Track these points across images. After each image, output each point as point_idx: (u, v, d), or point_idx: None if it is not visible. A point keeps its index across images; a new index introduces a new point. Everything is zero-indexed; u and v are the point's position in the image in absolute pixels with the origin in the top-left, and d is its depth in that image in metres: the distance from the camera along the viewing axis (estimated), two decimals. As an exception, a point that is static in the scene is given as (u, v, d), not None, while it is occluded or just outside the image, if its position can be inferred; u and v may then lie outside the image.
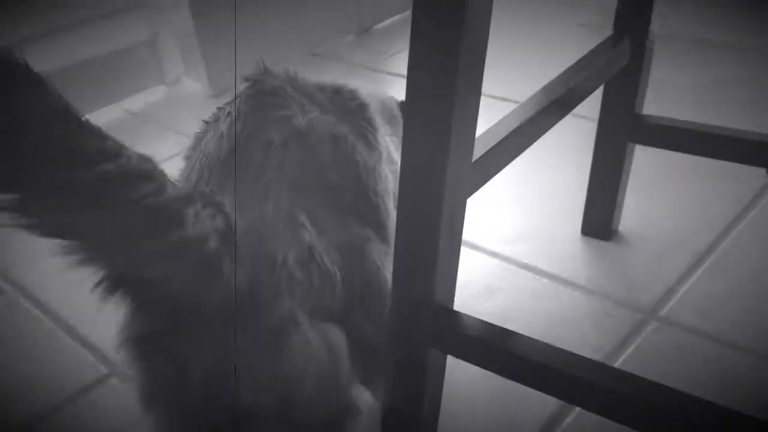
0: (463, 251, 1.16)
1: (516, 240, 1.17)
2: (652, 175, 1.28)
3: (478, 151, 0.71)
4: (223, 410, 0.63)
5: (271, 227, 0.66)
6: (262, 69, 0.77)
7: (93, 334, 1.06)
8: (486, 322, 0.73)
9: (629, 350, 0.95)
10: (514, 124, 0.76)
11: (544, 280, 1.09)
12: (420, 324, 0.72)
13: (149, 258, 0.56)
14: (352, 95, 0.81)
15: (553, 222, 1.20)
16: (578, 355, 0.68)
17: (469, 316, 0.73)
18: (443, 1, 0.57)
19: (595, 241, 1.15)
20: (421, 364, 0.74)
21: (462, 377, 0.91)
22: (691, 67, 1.65)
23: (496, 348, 0.71)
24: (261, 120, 0.72)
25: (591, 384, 0.66)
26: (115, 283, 0.59)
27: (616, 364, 0.92)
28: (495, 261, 1.13)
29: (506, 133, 0.75)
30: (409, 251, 0.69)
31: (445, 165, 0.63)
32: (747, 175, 1.25)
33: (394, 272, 0.71)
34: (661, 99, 1.44)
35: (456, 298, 1.08)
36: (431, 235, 0.67)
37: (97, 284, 0.58)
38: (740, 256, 1.08)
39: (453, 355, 0.75)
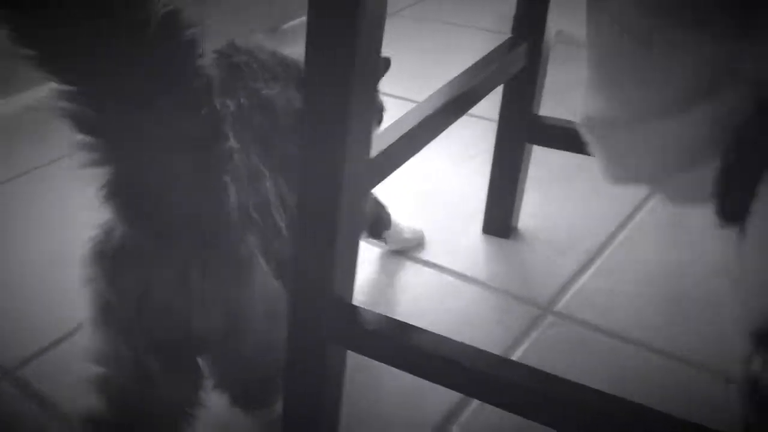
0: (368, 248, 1.17)
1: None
2: (550, 175, 1.33)
3: (377, 148, 0.71)
4: (177, 332, 0.66)
5: (238, 172, 0.67)
6: (231, 44, 0.80)
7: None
8: (385, 317, 0.74)
9: (526, 344, 0.98)
10: (413, 122, 0.78)
11: (448, 278, 1.11)
12: (319, 319, 0.72)
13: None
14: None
15: (457, 220, 1.23)
16: (476, 349, 0.70)
17: (369, 311, 0.74)
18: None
19: (496, 239, 1.18)
20: (321, 359, 0.74)
21: (364, 372, 0.92)
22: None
23: (395, 342, 0.72)
24: (234, 87, 0.75)
25: (488, 376, 0.68)
26: (118, 188, 0.61)
27: (514, 357, 0.95)
28: (399, 258, 1.15)
29: (405, 130, 0.76)
30: (308, 246, 0.69)
31: (342, 160, 0.64)
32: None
33: (293, 267, 0.71)
34: (563, 102, 1.50)
35: (360, 295, 1.09)
36: (330, 230, 0.68)
37: (101, 187, 0.60)
38: (631, 253, 1.14)
39: (352, 350, 0.75)
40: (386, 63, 1.00)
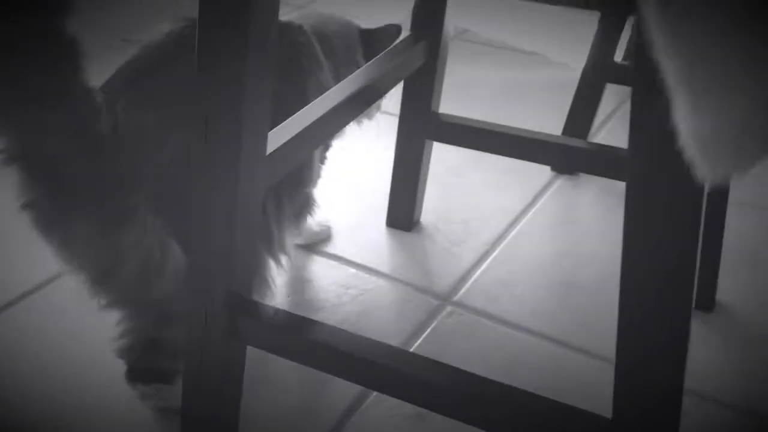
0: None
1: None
2: (449, 170, 1.37)
3: (273, 144, 0.72)
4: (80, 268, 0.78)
5: (152, 126, 0.76)
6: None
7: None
8: (283, 311, 0.75)
9: (426, 333, 1.01)
10: (311, 118, 0.79)
11: (351, 270, 1.13)
12: (217, 314, 0.72)
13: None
14: (300, 32, 0.93)
15: (362, 214, 1.25)
16: (373, 341, 0.72)
17: (267, 305, 0.75)
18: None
19: (399, 232, 1.21)
20: (220, 354, 0.74)
21: (264, 365, 0.93)
22: (493, 70, 1.78)
23: (294, 336, 0.73)
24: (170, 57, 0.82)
25: (384, 368, 0.70)
26: (13, 158, 0.72)
27: (414, 347, 0.98)
28: (303, 252, 1.16)
29: (303, 127, 0.77)
30: (205, 241, 0.69)
31: (237, 156, 0.64)
32: (534, 171, 1.37)
33: (191, 263, 0.71)
34: (466, 99, 1.55)
35: (262, 290, 1.09)
36: (226, 225, 0.68)
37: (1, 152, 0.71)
38: (526, 245, 1.19)
39: (251, 345, 0.76)
40: (397, 30, 1.08)
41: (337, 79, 0.96)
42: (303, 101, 0.85)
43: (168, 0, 2.00)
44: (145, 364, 0.84)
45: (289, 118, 0.78)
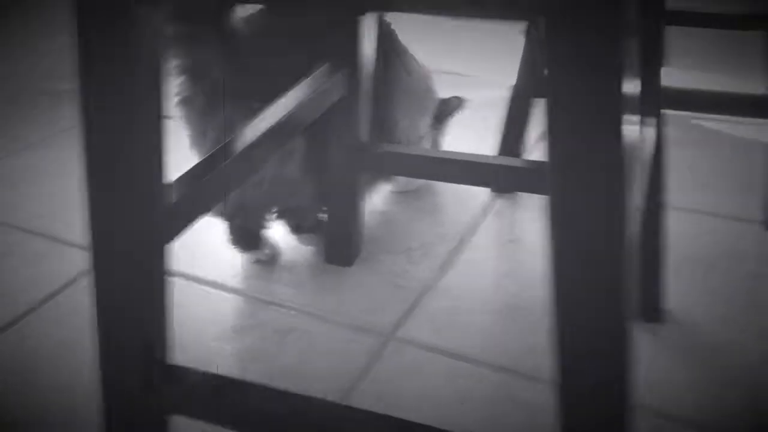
0: (204, 290, 1.11)
1: (259, 275, 1.15)
2: (388, 199, 1.33)
3: (181, 190, 0.67)
4: None
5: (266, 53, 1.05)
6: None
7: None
8: (206, 373, 0.69)
9: (372, 373, 0.96)
10: (225, 157, 0.74)
11: (292, 313, 1.07)
12: (133, 383, 0.66)
13: None
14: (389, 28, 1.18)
15: (299, 252, 1.20)
16: (305, 397, 0.67)
17: (189, 368, 0.69)
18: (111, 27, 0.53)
19: (339, 268, 1.16)
20: (140, 425, 0.68)
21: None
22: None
23: (220, 400, 0.67)
24: None
25: (321, 427, 0.65)
26: (183, 70, 1.03)
27: (360, 389, 0.93)
28: (239, 298, 1.10)
29: (216, 167, 0.72)
30: (110, 307, 0.64)
31: (132, 210, 0.59)
32: (473, 193, 1.34)
33: (100, 331, 0.65)
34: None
35: (198, 343, 1.03)
36: (134, 286, 0.62)
37: None
38: (471, 269, 1.15)
39: (173, 412, 0.70)
40: (460, 102, 1.31)
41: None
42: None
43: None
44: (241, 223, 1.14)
45: (202, 159, 0.73)
